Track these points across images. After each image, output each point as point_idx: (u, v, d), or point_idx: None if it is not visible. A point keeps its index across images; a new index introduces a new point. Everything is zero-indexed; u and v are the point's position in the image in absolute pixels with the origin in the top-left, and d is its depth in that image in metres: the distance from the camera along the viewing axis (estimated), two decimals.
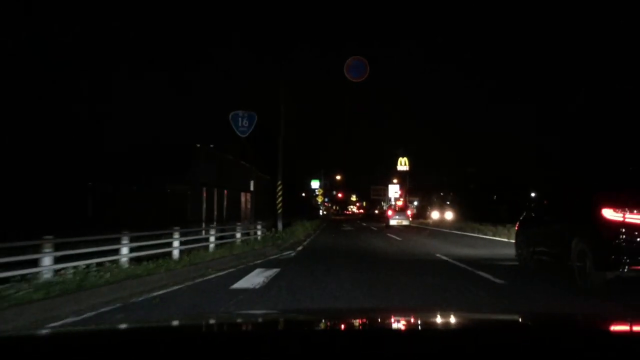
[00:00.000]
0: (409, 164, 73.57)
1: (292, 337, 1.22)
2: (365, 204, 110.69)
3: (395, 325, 1.57)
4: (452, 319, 1.71)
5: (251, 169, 16.07)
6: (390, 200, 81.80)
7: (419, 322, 1.64)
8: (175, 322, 1.85)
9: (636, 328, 1.35)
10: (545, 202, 7.06)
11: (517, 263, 7.70)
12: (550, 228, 6.44)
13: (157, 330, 1.43)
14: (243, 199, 20.74)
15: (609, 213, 5.26)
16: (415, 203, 76.71)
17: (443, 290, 5.66)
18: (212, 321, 1.83)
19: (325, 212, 65.17)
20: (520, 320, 1.77)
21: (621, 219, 5.18)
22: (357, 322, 1.66)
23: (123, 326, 1.89)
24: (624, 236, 5.14)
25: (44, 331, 1.87)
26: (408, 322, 1.63)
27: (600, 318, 1.90)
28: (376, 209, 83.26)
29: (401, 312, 2.32)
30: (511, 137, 28.80)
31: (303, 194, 65.42)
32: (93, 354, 1.05)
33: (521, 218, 7.72)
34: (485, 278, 6.49)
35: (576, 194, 6.13)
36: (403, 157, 73.76)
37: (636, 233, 5.11)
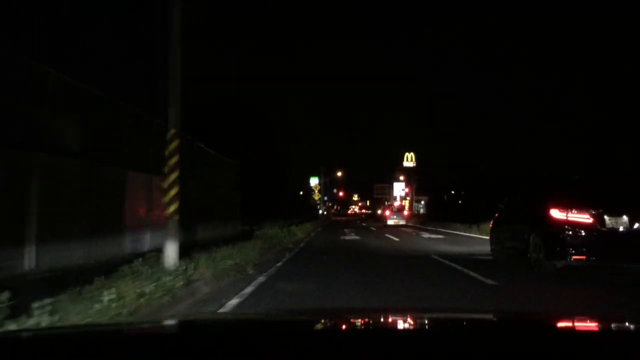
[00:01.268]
0: (416, 161, 71.99)
1: (291, 336, 1.28)
2: (370, 202, 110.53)
3: (394, 326, 1.63)
4: (453, 319, 1.83)
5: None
6: (395, 199, 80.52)
7: (418, 322, 1.72)
8: (172, 322, 1.89)
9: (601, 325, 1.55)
10: (511, 205, 8.62)
11: (491, 257, 9.22)
12: (515, 226, 7.98)
13: (154, 331, 1.48)
14: (136, 189, 9.82)
15: (555, 213, 6.78)
16: (422, 202, 73.51)
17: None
18: (209, 321, 1.91)
19: (325, 212, 63.06)
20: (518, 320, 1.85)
21: (565, 217, 6.73)
22: (356, 322, 1.73)
23: (117, 325, 1.96)
24: (568, 232, 6.68)
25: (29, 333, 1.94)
26: (407, 322, 1.71)
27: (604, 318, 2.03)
28: (379, 209, 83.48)
29: (400, 312, 2.47)
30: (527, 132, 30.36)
31: (301, 193, 63.49)
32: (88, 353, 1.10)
33: (494, 218, 9.30)
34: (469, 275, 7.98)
35: (533, 197, 7.71)
36: (409, 152, 71.62)
37: (578, 229, 6.64)
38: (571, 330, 1.48)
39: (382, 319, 1.84)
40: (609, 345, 1.19)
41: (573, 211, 6.65)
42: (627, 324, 1.66)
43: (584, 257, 6.55)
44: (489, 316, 2.10)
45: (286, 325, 1.64)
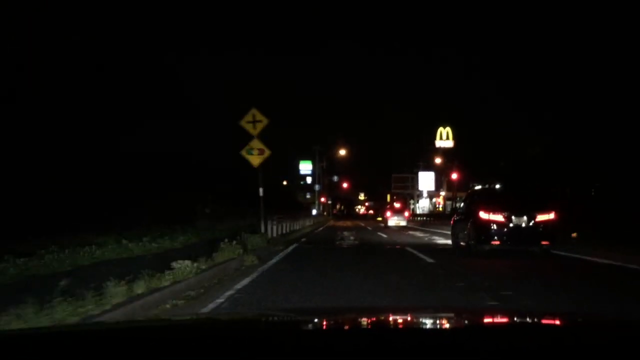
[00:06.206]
0: (454, 138, 63.77)
1: (291, 335, 1.57)
2: (390, 198, 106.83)
3: (393, 325, 1.99)
4: (453, 319, 2.27)
5: None
6: (422, 193, 74.07)
7: (418, 321, 2.10)
8: (171, 321, 2.23)
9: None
10: (463, 207, 14.84)
11: (451, 247, 15.39)
12: (463, 223, 13.92)
13: (153, 329, 1.79)
14: None
15: (482, 214, 12.69)
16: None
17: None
18: (208, 320, 2.33)
19: (324, 212, 55.40)
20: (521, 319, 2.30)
21: (488, 217, 12.83)
22: (348, 322, 2.12)
23: (117, 325, 2.31)
24: (491, 226, 12.70)
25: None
26: (406, 320, 2.09)
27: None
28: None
29: (400, 311, 2.90)
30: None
31: (284, 182, 54.97)
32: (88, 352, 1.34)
33: (453, 217, 15.57)
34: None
35: (471, 203, 13.88)
36: (445, 127, 65.15)
37: (495, 225, 12.48)
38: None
39: (381, 319, 2.26)
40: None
41: (492, 213, 12.71)
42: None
43: (499, 243, 12.40)
44: (494, 316, 2.50)
45: (285, 324, 2.05)
